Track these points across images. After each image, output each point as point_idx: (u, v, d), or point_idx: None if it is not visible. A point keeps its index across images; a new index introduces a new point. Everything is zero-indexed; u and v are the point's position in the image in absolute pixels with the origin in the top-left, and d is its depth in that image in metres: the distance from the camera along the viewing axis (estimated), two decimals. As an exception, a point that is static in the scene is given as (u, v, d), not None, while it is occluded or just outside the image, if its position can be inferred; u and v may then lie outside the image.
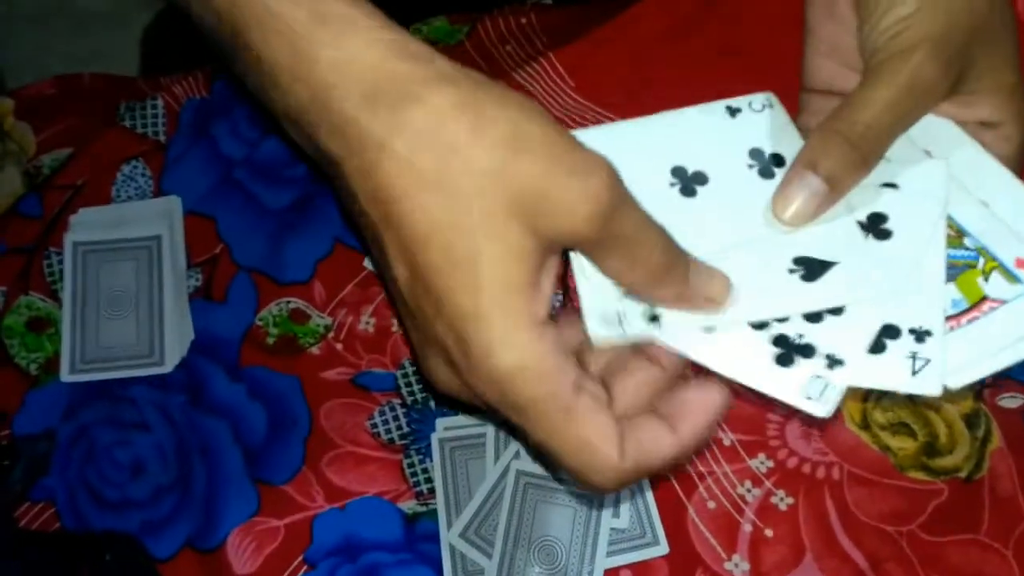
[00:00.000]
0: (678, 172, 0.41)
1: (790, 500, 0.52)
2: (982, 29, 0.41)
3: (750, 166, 0.41)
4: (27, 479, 0.54)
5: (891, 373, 0.37)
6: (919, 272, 0.39)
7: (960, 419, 0.53)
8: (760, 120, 0.42)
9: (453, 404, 0.53)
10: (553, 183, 0.32)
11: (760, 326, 0.39)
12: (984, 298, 0.39)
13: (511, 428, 0.38)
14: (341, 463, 0.53)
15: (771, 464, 0.52)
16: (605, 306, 0.38)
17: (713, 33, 0.60)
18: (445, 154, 0.32)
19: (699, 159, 0.41)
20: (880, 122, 0.40)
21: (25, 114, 0.62)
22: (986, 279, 0.40)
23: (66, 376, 0.55)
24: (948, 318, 0.39)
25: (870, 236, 0.40)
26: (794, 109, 0.55)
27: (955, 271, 0.40)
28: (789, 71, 0.58)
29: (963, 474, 0.52)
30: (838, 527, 0.51)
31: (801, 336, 0.38)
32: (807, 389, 0.37)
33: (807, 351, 0.38)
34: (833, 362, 0.38)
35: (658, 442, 0.36)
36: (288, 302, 0.57)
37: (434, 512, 0.52)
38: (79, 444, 0.54)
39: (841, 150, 0.39)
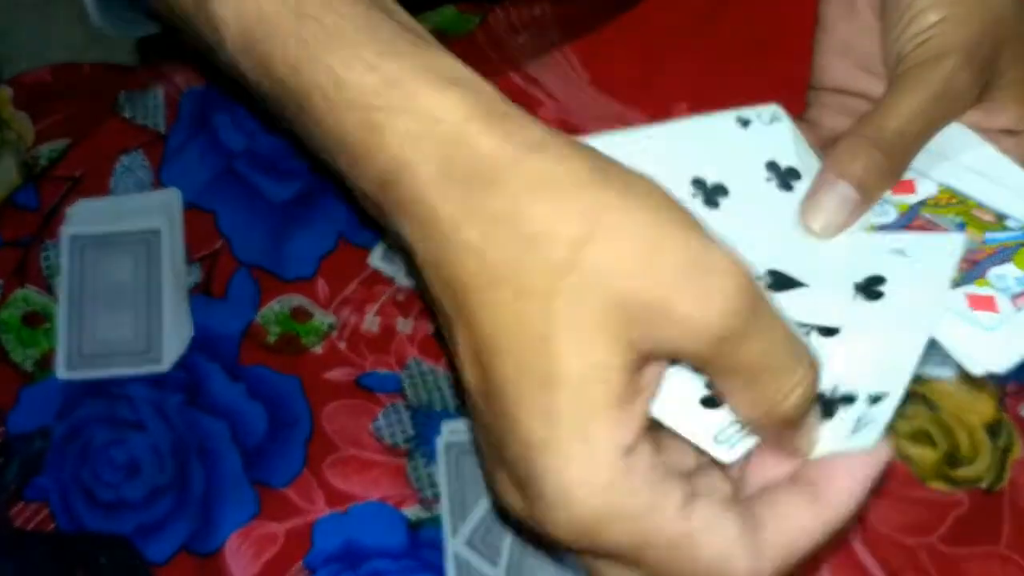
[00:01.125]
0: (698, 183, 0.40)
1: (806, 510, 0.50)
2: (1010, 38, 0.41)
3: (768, 179, 0.41)
4: (21, 478, 0.53)
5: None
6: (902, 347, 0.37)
7: (982, 428, 0.52)
8: (771, 133, 0.42)
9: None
10: (663, 286, 0.27)
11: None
12: None
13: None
14: (343, 466, 0.52)
15: (787, 472, 0.51)
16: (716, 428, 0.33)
17: (730, 25, 0.59)
18: (523, 245, 0.27)
19: (718, 171, 0.40)
20: (910, 130, 0.39)
21: (23, 103, 0.61)
22: None
23: (62, 373, 0.54)
24: (1016, 296, 0.38)
25: (861, 297, 0.38)
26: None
27: (1007, 252, 0.39)
28: (808, 63, 0.57)
29: (984, 485, 0.51)
30: (855, 538, 0.50)
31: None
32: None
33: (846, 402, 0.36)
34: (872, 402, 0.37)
35: (798, 519, 0.31)
36: (290, 299, 0.55)
37: (439, 518, 0.51)
38: (74, 443, 0.53)
39: (871, 157, 0.38)
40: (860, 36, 0.44)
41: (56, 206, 0.58)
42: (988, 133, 0.42)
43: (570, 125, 0.57)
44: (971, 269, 0.39)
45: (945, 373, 0.52)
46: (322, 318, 0.55)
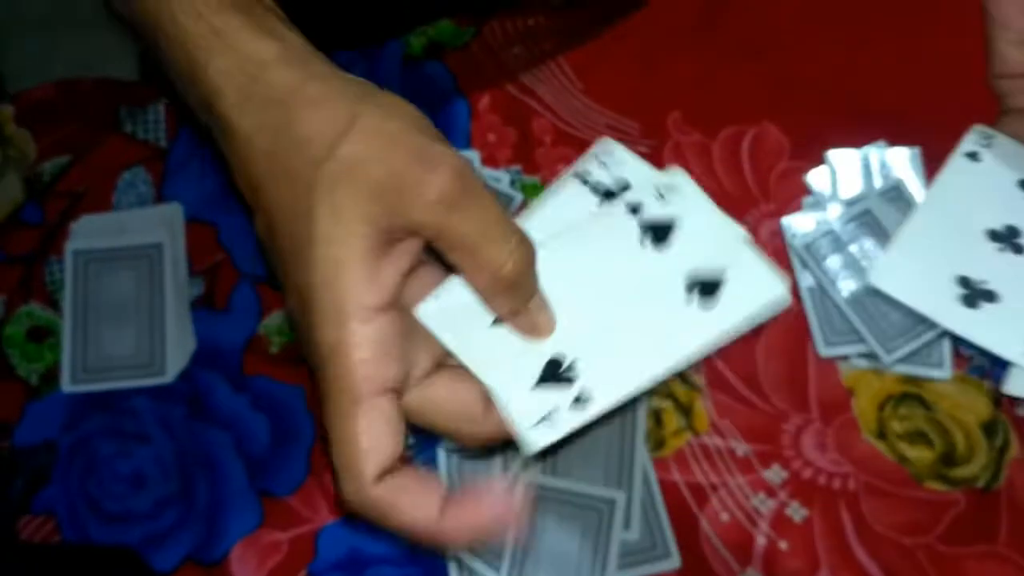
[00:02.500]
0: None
1: (805, 512, 0.51)
2: None
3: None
4: (28, 491, 0.53)
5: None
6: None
7: (978, 428, 0.52)
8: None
9: None
10: (399, 168, 0.34)
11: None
12: None
13: None
14: (346, 475, 0.52)
15: (785, 475, 0.51)
16: (529, 416, 0.36)
17: (726, 33, 0.59)
18: (296, 146, 0.35)
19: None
20: None
21: (26, 120, 0.61)
22: None
23: (67, 387, 0.55)
24: None
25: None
26: (829, 108, 0.55)
27: None
28: (805, 67, 0.57)
29: (980, 484, 0.51)
30: (854, 539, 0.50)
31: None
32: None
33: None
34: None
35: (418, 504, 0.35)
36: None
37: (441, 525, 0.51)
38: (80, 455, 0.54)
39: None
40: None
41: (59, 222, 0.58)
42: None
43: (567, 135, 0.58)
44: None
45: (940, 374, 0.52)
46: (323, 328, 0.55)
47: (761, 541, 0.50)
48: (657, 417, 0.53)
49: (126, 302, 0.56)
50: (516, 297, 0.37)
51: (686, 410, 0.53)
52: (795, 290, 0.54)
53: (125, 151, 0.59)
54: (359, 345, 0.34)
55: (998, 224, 0.42)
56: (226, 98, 0.36)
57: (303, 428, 0.53)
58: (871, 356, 0.52)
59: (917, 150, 0.54)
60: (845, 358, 0.53)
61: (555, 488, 0.51)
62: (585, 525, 0.50)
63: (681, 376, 0.53)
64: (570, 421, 0.36)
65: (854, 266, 0.53)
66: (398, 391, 0.35)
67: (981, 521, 0.50)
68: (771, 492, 0.51)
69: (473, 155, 0.57)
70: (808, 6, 0.59)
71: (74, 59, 1.34)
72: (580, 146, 0.57)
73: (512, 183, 0.57)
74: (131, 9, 0.39)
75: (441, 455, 0.52)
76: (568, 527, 0.50)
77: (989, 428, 0.52)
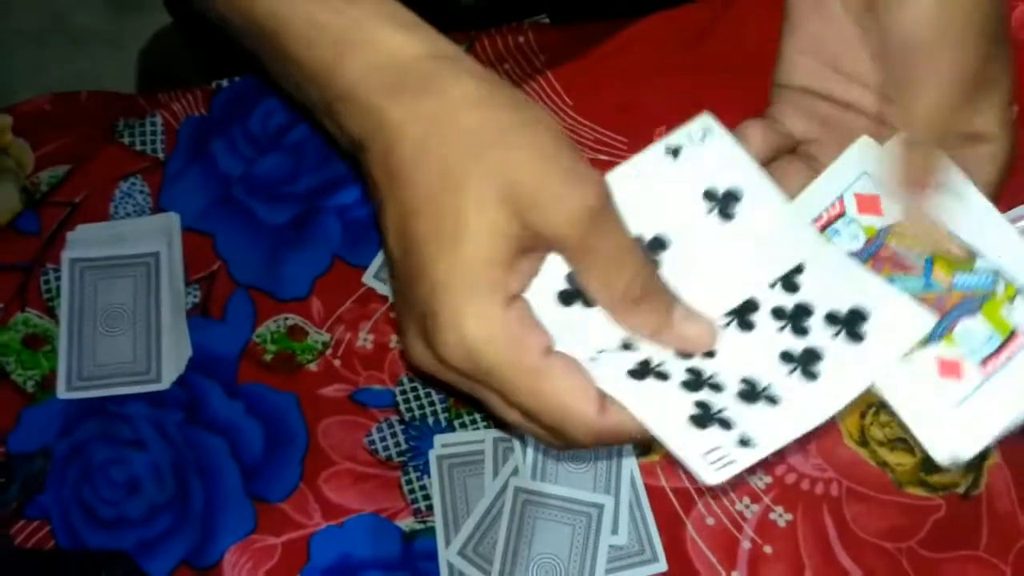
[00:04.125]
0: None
1: (789, 516, 0.52)
2: (991, 37, 0.40)
3: (709, 211, 0.39)
4: (22, 497, 0.54)
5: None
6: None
7: (958, 435, 0.53)
8: (705, 153, 0.39)
9: (434, 384, 0.53)
10: (546, 181, 0.35)
11: (689, 387, 0.38)
12: (1013, 332, 0.37)
13: (474, 401, 0.39)
14: (339, 480, 0.53)
15: (769, 480, 0.52)
16: (694, 449, 0.36)
17: (715, 51, 0.60)
18: (452, 139, 0.35)
19: (654, 221, 0.39)
20: (943, 121, 0.39)
21: (23, 130, 0.62)
22: (1011, 304, 0.37)
23: (63, 393, 0.55)
24: (986, 359, 0.37)
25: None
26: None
27: (974, 302, 0.37)
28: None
29: (961, 490, 0.52)
30: (837, 544, 0.51)
31: (723, 410, 0.37)
32: (709, 454, 0.36)
33: (725, 424, 0.36)
34: (745, 443, 0.36)
35: (626, 411, 0.37)
36: (286, 319, 0.56)
37: (432, 530, 0.52)
38: (75, 462, 0.54)
39: (927, 156, 0.39)
40: (830, 33, 0.43)
41: (56, 231, 0.59)
42: (956, 140, 0.40)
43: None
44: (939, 319, 0.37)
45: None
46: (317, 336, 0.56)
47: (746, 545, 0.51)
48: (645, 424, 0.53)
49: (122, 310, 0.57)
50: (651, 312, 0.37)
51: (673, 417, 0.53)
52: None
53: (122, 162, 0.60)
54: (512, 324, 0.35)
55: (649, 233, 0.39)
56: (374, 86, 0.36)
57: (296, 435, 0.54)
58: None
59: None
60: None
61: (544, 493, 0.51)
62: (574, 530, 0.51)
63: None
64: (743, 459, 0.35)
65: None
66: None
67: (962, 526, 0.51)
68: (756, 497, 0.52)
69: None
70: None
71: (68, 73, 1.35)
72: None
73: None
74: (237, 9, 0.39)
75: (433, 460, 0.53)
76: (557, 532, 0.51)
77: (968, 436, 0.53)
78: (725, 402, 0.37)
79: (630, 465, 0.52)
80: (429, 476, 0.53)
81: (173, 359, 0.55)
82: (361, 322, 0.56)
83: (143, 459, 0.54)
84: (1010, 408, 0.36)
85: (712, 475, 0.35)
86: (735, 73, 0.59)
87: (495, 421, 0.43)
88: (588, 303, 0.38)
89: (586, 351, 0.37)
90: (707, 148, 0.39)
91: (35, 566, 0.53)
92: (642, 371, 0.38)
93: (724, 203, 0.39)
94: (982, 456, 0.52)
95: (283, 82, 0.41)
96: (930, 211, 0.39)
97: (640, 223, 0.38)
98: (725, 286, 0.39)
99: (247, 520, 0.52)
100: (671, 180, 0.39)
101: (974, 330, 0.37)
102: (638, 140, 0.58)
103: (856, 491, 0.52)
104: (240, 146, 0.60)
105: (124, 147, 0.60)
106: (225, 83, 0.61)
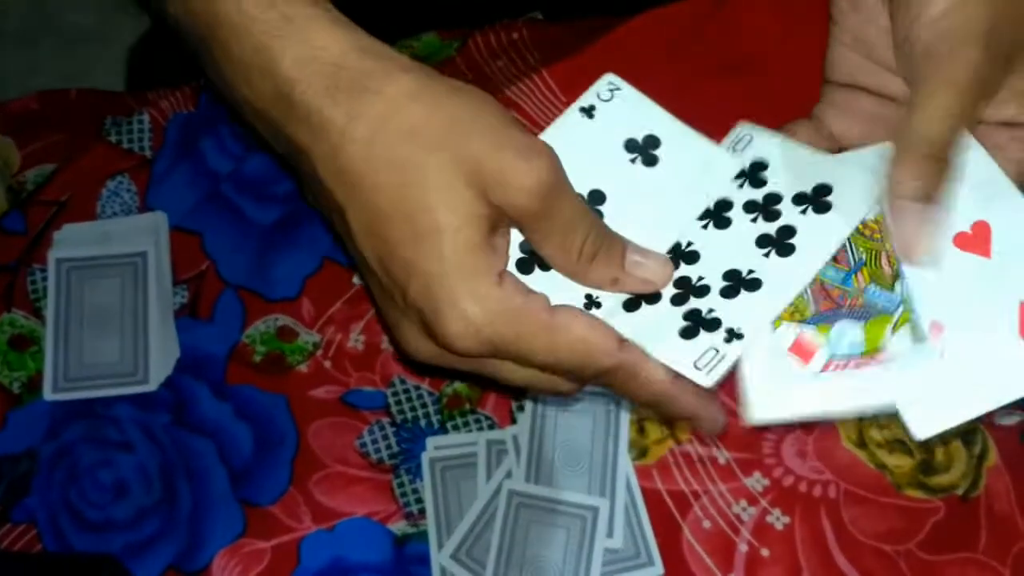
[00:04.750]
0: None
1: (786, 519, 0.51)
2: (1022, 24, 0.40)
3: (632, 160, 0.42)
4: (8, 500, 0.53)
5: (683, 356, 0.38)
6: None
7: (957, 436, 0.52)
8: (616, 108, 0.43)
9: (431, 371, 0.54)
10: (503, 160, 0.36)
11: (677, 301, 0.40)
12: (877, 350, 0.38)
13: (486, 382, 0.41)
14: (329, 483, 0.52)
15: (767, 482, 0.52)
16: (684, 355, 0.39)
17: (709, 48, 0.60)
18: (402, 136, 0.36)
19: (586, 178, 0.41)
20: (950, 131, 0.39)
21: (9, 129, 0.61)
22: (893, 331, 0.39)
23: (49, 394, 0.54)
24: (834, 361, 0.39)
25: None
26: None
27: (867, 314, 0.39)
28: (787, 84, 0.58)
29: (960, 492, 0.51)
30: (835, 546, 0.51)
31: (712, 311, 0.39)
32: (699, 360, 0.38)
33: (713, 325, 0.39)
34: (732, 336, 0.38)
35: (650, 360, 0.38)
36: (276, 319, 0.56)
37: (424, 533, 0.51)
38: (61, 464, 0.53)
39: (925, 168, 0.39)
40: (868, 27, 0.43)
41: (43, 230, 0.58)
42: (988, 127, 0.41)
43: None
44: (829, 311, 0.39)
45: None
46: (307, 337, 0.55)
47: (743, 548, 0.51)
48: (640, 426, 0.53)
49: (110, 310, 0.56)
50: (606, 265, 0.39)
51: (669, 419, 0.53)
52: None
53: (109, 160, 0.59)
54: (510, 296, 0.37)
55: (585, 190, 0.41)
56: (309, 86, 0.36)
57: (286, 437, 0.53)
58: (851, 365, 0.53)
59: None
60: (826, 367, 0.53)
61: (539, 496, 0.51)
62: (568, 533, 0.50)
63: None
64: (732, 352, 0.38)
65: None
66: None
67: (961, 529, 0.51)
68: (753, 500, 0.51)
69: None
70: (789, 23, 0.60)
71: (56, 72, 1.34)
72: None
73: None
74: (183, 8, 0.39)
75: (425, 463, 0.52)
76: (552, 535, 0.50)
77: (967, 437, 0.53)
78: (711, 303, 0.39)
79: (625, 468, 0.51)
80: (421, 479, 0.52)
81: (161, 360, 0.55)
82: (352, 323, 0.56)
83: (130, 461, 0.53)
84: (804, 406, 0.39)
85: (705, 378, 0.38)
86: (729, 70, 0.59)
87: (504, 388, 0.45)
88: (545, 267, 0.40)
89: None
90: (617, 103, 0.43)
91: (22, 570, 0.52)
92: (635, 302, 0.40)
93: (645, 149, 0.42)
94: (981, 457, 0.52)
95: (217, 82, 0.40)
96: (912, 223, 0.39)
97: (575, 181, 0.39)
98: (662, 226, 0.41)
99: (236, 523, 0.52)
100: (592, 137, 0.42)
101: (846, 334, 0.39)
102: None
103: (854, 493, 0.51)
104: (228, 143, 0.59)
105: (111, 145, 0.60)
106: (214, 80, 0.61)
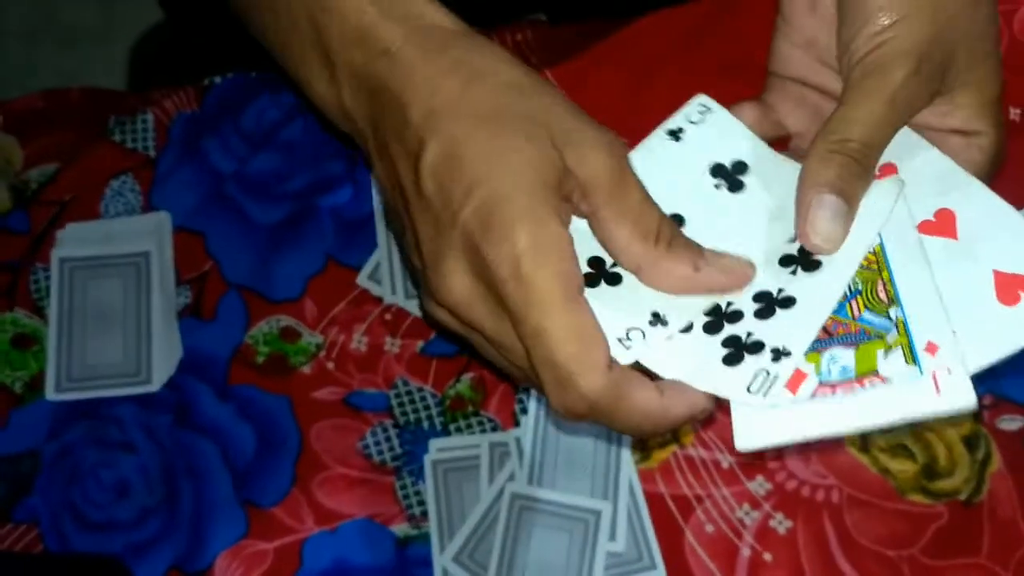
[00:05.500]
0: None
1: (789, 523, 0.51)
2: (963, 38, 0.41)
3: (716, 186, 0.41)
4: (10, 500, 0.53)
5: (733, 384, 0.37)
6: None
7: (960, 441, 0.52)
8: (705, 131, 0.42)
9: (444, 334, 0.53)
10: (581, 126, 0.37)
11: (711, 329, 0.39)
12: (873, 372, 0.38)
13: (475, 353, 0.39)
14: (332, 485, 0.52)
15: (769, 487, 0.52)
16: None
17: (712, 50, 0.60)
18: (496, 87, 0.37)
19: (667, 202, 0.40)
20: (872, 138, 0.40)
21: (12, 128, 0.61)
22: (886, 355, 0.38)
23: (51, 394, 0.54)
24: (823, 384, 0.38)
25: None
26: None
27: (859, 339, 0.39)
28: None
29: (963, 497, 0.51)
30: (837, 551, 0.51)
31: (750, 335, 0.38)
32: (752, 384, 0.37)
33: (756, 348, 0.38)
34: (779, 354, 0.37)
35: (646, 396, 0.37)
36: (279, 320, 0.56)
37: (427, 536, 0.51)
38: (63, 464, 0.53)
39: (844, 166, 0.40)
40: (822, 31, 0.44)
41: (46, 229, 0.58)
42: (939, 133, 0.42)
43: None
44: (820, 340, 0.39)
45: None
46: (310, 338, 0.55)
47: (746, 552, 0.51)
48: (643, 429, 0.53)
49: (112, 310, 0.56)
50: (685, 251, 0.38)
51: (672, 422, 0.53)
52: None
53: (113, 159, 0.59)
54: (565, 240, 0.36)
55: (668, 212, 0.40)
56: (409, 45, 0.38)
57: (289, 438, 0.53)
58: (855, 369, 0.53)
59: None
60: (829, 371, 0.53)
61: (541, 499, 0.51)
62: (571, 536, 0.50)
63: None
64: (784, 370, 0.37)
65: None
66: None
67: (964, 534, 0.51)
68: (755, 504, 0.51)
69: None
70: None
71: (56, 70, 1.34)
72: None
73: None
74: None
75: (428, 465, 0.52)
76: (554, 538, 0.50)
77: (970, 441, 0.52)
78: (748, 327, 0.38)
79: (628, 471, 0.51)
80: (423, 481, 0.52)
81: (163, 361, 0.55)
82: (355, 324, 0.55)
83: (132, 462, 0.53)
84: (791, 432, 0.37)
85: (762, 402, 0.37)
86: (733, 72, 0.59)
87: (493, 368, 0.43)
88: (612, 281, 0.39)
89: (615, 331, 0.38)
90: (706, 126, 0.42)
91: (24, 570, 0.52)
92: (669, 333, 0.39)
93: (732, 175, 0.41)
94: (984, 462, 0.52)
95: (267, 39, 0.42)
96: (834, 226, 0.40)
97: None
98: (745, 254, 0.40)
99: (238, 525, 0.52)
100: (677, 162, 0.41)
101: (837, 360, 0.39)
102: (636, 139, 0.58)
103: (857, 498, 0.51)
104: (232, 143, 0.59)
105: (115, 145, 0.60)
106: (218, 80, 0.61)
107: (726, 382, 0.37)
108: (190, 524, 0.52)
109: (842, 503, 0.51)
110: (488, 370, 0.54)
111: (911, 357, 0.38)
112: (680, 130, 0.42)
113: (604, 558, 0.50)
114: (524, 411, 0.53)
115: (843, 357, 0.38)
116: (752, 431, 0.37)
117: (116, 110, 0.61)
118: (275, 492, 0.52)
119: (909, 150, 0.42)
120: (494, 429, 0.53)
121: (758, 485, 0.52)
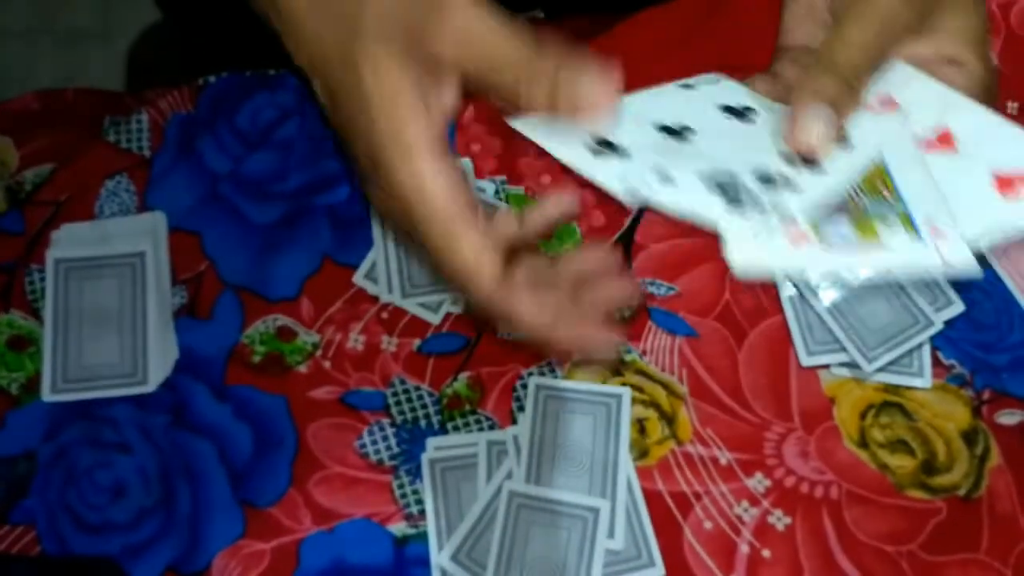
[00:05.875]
0: (665, 129, 0.42)
1: (788, 520, 0.51)
2: None
3: (727, 118, 0.43)
4: (6, 501, 0.53)
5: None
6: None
7: (959, 436, 0.52)
8: (716, 88, 0.45)
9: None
10: (419, 15, 0.38)
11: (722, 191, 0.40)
12: (874, 239, 0.39)
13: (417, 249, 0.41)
14: (329, 484, 0.52)
15: (768, 483, 0.51)
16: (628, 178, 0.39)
17: (710, 46, 0.60)
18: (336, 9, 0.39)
19: (680, 118, 0.42)
20: (860, 62, 0.42)
21: (7, 128, 0.61)
22: (887, 226, 0.39)
23: (47, 395, 0.54)
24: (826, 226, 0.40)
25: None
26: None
27: (863, 216, 0.40)
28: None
29: (962, 492, 0.51)
30: (836, 547, 0.50)
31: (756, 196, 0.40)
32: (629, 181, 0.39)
33: (757, 203, 0.39)
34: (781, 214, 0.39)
35: (534, 301, 0.40)
36: (275, 319, 0.56)
37: (425, 534, 0.51)
38: (60, 466, 0.53)
39: (835, 83, 0.42)
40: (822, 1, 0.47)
41: (41, 230, 0.58)
42: (933, 64, 0.44)
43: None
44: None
45: (921, 383, 0.53)
46: (307, 337, 0.55)
47: (744, 549, 0.50)
48: (641, 426, 0.53)
49: (108, 311, 0.56)
50: (540, 71, 0.38)
51: (669, 419, 0.53)
52: (776, 300, 0.55)
53: (108, 160, 0.59)
54: (439, 172, 0.37)
55: (670, 122, 0.42)
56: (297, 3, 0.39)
57: (286, 438, 0.53)
58: (852, 365, 0.53)
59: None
60: (826, 367, 0.53)
61: (539, 497, 0.51)
62: (569, 534, 0.50)
63: (664, 385, 0.53)
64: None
65: (835, 276, 0.53)
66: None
67: (963, 529, 0.51)
68: (754, 500, 0.51)
69: (466, 164, 0.58)
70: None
71: (54, 71, 1.34)
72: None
73: (497, 193, 0.57)
74: None
75: (425, 464, 0.52)
76: (552, 536, 0.50)
77: (969, 437, 0.52)
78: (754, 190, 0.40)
79: (627, 469, 0.51)
80: (421, 480, 0.52)
81: (159, 361, 0.55)
82: (352, 323, 0.55)
83: (129, 463, 0.53)
84: (786, 260, 0.39)
85: (630, 198, 0.38)
86: (729, 68, 0.59)
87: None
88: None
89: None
90: (718, 87, 0.45)
91: (21, 572, 0.52)
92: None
93: (741, 113, 0.44)
94: (983, 457, 0.52)
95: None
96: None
97: (663, 116, 0.41)
98: (752, 164, 0.41)
99: (235, 525, 0.52)
100: (689, 101, 0.44)
101: (839, 226, 0.40)
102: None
103: (856, 494, 0.51)
104: (228, 143, 0.59)
105: (110, 145, 0.60)
106: (212, 79, 0.61)
107: (603, 171, 0.39)
108: (187, 525, 0.52)
109: (841, 499, 0.51)
110: (483, 368, 0.54)
111: (911, 228, 0.39)
112: (692, 85, 0.45)
113: (603, 556, 0.50)
114: (521, 409, 0.53)
115: (844, 225, 0.40)
116: (746, 257, 0.39)
117: (111, 110, 0.61)
118: (272, 492, 0.52)
119: (906, 81, 0.44)
120: (491, 427, 0.53)
121: (756, 482, 0.52)
